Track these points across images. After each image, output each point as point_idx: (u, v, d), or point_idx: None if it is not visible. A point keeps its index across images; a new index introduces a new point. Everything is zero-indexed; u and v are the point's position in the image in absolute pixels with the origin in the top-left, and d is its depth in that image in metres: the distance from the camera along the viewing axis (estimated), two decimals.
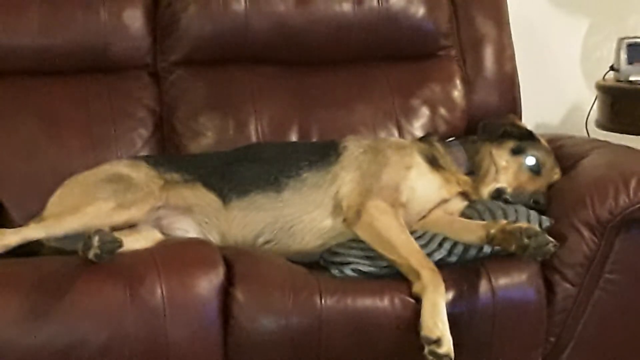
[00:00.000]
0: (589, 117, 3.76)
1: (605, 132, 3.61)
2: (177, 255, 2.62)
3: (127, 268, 2.51)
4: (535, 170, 2.92)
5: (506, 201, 2.88)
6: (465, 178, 2.94)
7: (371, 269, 2.67)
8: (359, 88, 3.39)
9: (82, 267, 2.47)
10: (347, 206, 2.80)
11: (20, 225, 2.70)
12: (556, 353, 2.77)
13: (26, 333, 2.40)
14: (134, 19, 3.31)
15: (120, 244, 2.45)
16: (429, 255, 2.67)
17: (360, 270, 2.67)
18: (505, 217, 2.75)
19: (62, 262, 2.53)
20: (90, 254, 2.42)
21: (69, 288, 2.44)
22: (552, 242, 2.54)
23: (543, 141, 3.03)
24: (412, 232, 2.74)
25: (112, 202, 2.69)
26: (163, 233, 2.80)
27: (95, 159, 3.06)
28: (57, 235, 2.62)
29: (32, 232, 2.59)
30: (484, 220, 2.76)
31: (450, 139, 3.10)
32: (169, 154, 3.23)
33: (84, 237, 2.45)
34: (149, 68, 3.34)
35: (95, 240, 2.41)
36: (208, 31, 3.33)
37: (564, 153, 3.06)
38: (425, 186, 2.88)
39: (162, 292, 2.49)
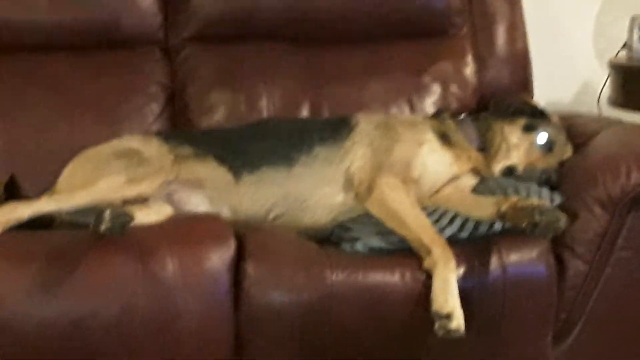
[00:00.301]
0: (601, 95, 3.75)
1: (617, 110, 3.59)
2: (188, 230, 2.62)
3: (138, 242, 2.52)
4: (547, 148, 2.92)
5: (517, 178, 2.87)
6: (477, 155, 2.94)
7: (382, 244, 2.67)
8: (371, 65, 3.38)
9: (94, 240, 2.47)
10: (359, 182, 2.81)
11: None
12: (567, 330, 2.77)
13: (38, 305, 2.41)
14: None
15: (132, 218, 2.46)
16: (440, 231, 2.66)
17: (371, 245, 2.67)
18: (517, 194, 2.75)
19: (73, 235, 2.54)
20: (102, 228, 2.42)
21: (80, 261, 2.45)
22: (563, 218, 2.54)
23: (555, 119, 3.02)
24: (423, 208, 2.73)
25: (123, 176, 2.70)
26: (174, 208, 2.80)
27: (107, 134, 3.05)
28: (69, 209, 2.62)
29: (44, 205, 2.59)
30: (495, 196, 2.76)
31: (462, 116, 3.10)
32: (181, 129, 3.24)
33: (95, 211, 2.46)
34: (160, 44, 3.35)
35: (107, 214, 2.42)
36: (219, 8, 3.33)
37: (576, 131, 3.06)
38: (436, 162, 2.89)
39: (173, 267, 2.49)
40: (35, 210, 2.57)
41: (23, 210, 2.55)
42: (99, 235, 2.43)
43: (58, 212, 2.64)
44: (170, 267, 2.49)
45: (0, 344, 2.39)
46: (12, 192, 2.76)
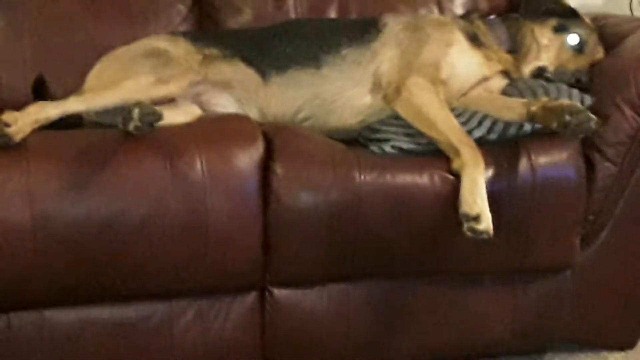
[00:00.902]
0: None
1: None
2: (216, 130, 2.61)
3: (167, 142, 2.51)
4: (578, 49, 2.89)
5: (547, 80, 2.85)
6: (507, 56, 2.92)
7: (410, 145, 2.66)
8: None
9: (123, 139, 2.47)
10: (387, 83, 2.79)
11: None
12: (595, 231, 2.77)
13: (69, 204, 2.41)
14: None
15: (160, 117, 2.44)
16: (469, 132, 2.65)
17: (399, 147, 2.66)
18: (547, 95, 2.73)
19: (102, 134, 2.53)
20: (131, 126, 2.41)
21: (109, 160, 2.44)
22: (593, 119, 2.52)
23: (586, 19, 2.99)
24: (452, 110, 2.72)
25: (151, 76, 2.68)
26: (202, 108, 2.80)
27: (133, 35, 3.03)
28: (97, 109, 2.61)
29: (72, 105, 2.57)
30: (524, 98, 2.73)
31: (492, 16, 3.06)
32: (208, 30, 3.21)
33: (123, 111, 2.45)
34: None
35: (136, 112, 2.41)
36: None
37: (608, 32, 3.02)
38: (465, 63, 2.86)
39: (202, 166, 2.49)
40: (63, 110, 2.55)
41: (51, 110, 2.53)
42: (128, 133, 2.42)
43: (86, 112, 2.64)
44: (199, 166, 2.48)
45: (34, 242, 2.40)
46: (40, 92, 2.77)
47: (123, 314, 2.57)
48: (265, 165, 2.55)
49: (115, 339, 2.57)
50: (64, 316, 2.54)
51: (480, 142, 2.63)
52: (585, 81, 2.81)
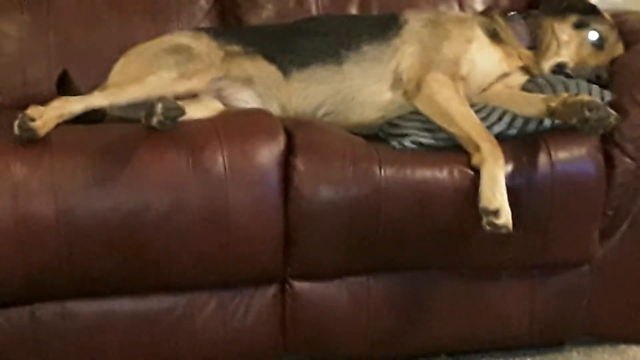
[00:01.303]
0: None
1: None
2: (238, 125, 2.63)
3: (189, 136, 2.53)
4: (598, 45, 2.90)
5: (567, 76, 2.86)
6: (527, 52, 2.93)
7: (431, 141, 2.68)
8: None
9: (145, 134, 2.49)
10: (407, 79, 2.80)
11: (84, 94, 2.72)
12: (614, 227, 2.78)
13: (93, 198, 2.44)
14: None
15: (183, 112, 2.46)
16: (489, 128, 2.66)
17: (419, 142, 2.68)
18: (566, 91, 2.73)
19: (126, 129, 2.56)
20: (154, 121, 2.44)
21: (132, 154, 2.47)
22: (613, 115, 2.53)
23: (606, 15, 2.99)
24: (472, 106, 2.73)
25: (174, 72, 2.71)
26: (224, 104, 2.82)
27: (156, 31, 3.08)
28: (120, 104, 2.64)
29: (96, 100, 2.60)
30: (544, 94, 2.74)
31: (512, 13, 3.07)
32: (230, 26, 3.23)
33: (146, 106, 2.47)
34: None
35: (159, 107, 2.43)
36: None
37: (628, 28, 3.02)
38: (485, 59, 2.87)
39: (223, 160, 2.51)
40: (87, 104, 2.57)
41: (75, 105, 2.55)
42: (151, 128, 2.45)
43: (110, 107, 2.67)
44: (220, 161, 2.51)
45: (58, 234, 2.43)
46: (64, 87, 2.79)
47: (145, 305, 2.60)
48: (286, 160, 2.57)
49: (138, 331, 2.60)
50: (86, 308, 2.57)
51: (500, 138, 2.64)
52: (605, 77, 2.82)
